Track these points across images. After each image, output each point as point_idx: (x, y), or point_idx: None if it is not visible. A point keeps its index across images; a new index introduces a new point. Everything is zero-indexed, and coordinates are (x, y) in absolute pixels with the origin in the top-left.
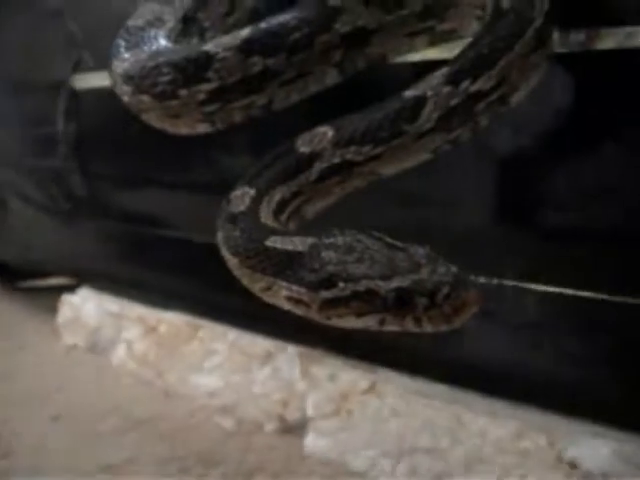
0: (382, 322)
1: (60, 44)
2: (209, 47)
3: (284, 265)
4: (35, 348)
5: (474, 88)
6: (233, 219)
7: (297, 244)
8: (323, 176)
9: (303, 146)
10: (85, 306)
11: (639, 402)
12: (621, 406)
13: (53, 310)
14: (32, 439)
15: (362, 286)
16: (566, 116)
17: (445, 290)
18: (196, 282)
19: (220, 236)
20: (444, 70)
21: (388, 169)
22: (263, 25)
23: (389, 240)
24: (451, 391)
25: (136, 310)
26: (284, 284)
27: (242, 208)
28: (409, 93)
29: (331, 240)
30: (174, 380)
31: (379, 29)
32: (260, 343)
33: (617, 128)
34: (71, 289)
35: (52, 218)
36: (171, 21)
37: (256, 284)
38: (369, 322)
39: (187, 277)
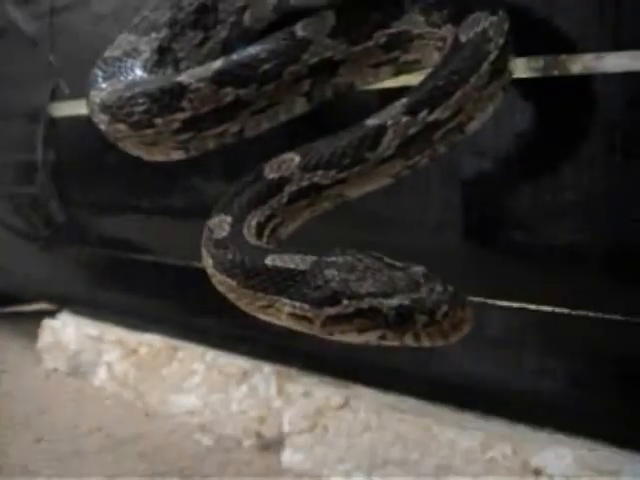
0: (383, 338)
1: (37, 73)
2: (183, 78)
3: (287, 283)
4: (17, 373)
5: (431, 118)
6: (222, 244)
7: (298, 262)
8: (293, 199)
9: (271, 173)
10: (65, 330)
11: (600, 411)
12: (583, 415)
13: (34, 335)
14: (16, 460)
15: (365, 304)
16: (527, 138)
17: (444, 308)
18: (174, 305)
19: (211, 262)
20: (403, 100)
21: (353, 192)
22: (234, 57)
23: (388, 260)
24: (421, 405)
25: (116, 333)
26: (287, 301)
27: (225, 234)
28: (371, 122)
29: (332, 259)
30: (154, 400)
31: (346, 60)
32: (237, 363)
33: (575, 149)
34: (52, 314)
35: (31, 244)
36: (147, 52)
37: (256, 303)
38: (370, 338)
39: (165, 300)
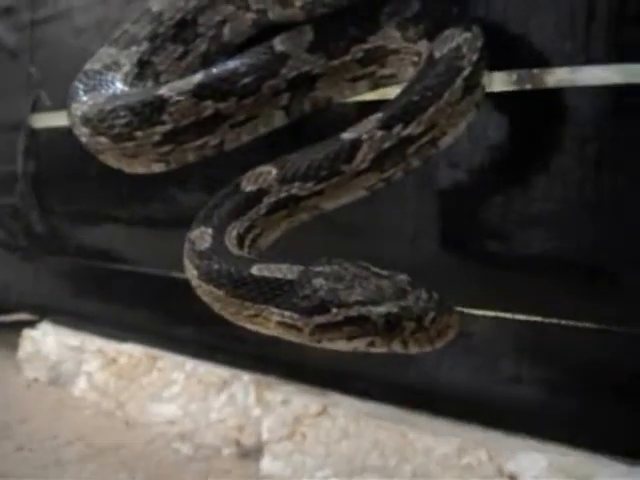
0: (371, 344)
1: (18, 84)
2: (163, 91)
3: (274, 292)
4: None
5: (405, 133)
6: (206, 255)
7: (285, 272)
8: (272, 210)
9: (249, 185)
10: (46, 340)
11: (573, 417)
12: (556, 421)
13: (14, 345)
14: None
15: (354, 311)
16: (501, 150)
17: (431, 315)
18: (154, 314)
19: (195, 273)
20: (378, 115)
21: (329, 204)
22: (214, 70)
23: (374, 268)
24: (398, 412)
25: (96, 343)
26: (276, 310)
27: (208, 245)
28: (346, 135)
29: (319, 268)
30: (134, 410)
31: (323, 74)
32: (216, 372)
33: (547, 161)
34: (32, 324)
35: (12, 254)
36: (127, 65)
37: (244, 312)
38: (358, 345)
39: (145, 310)
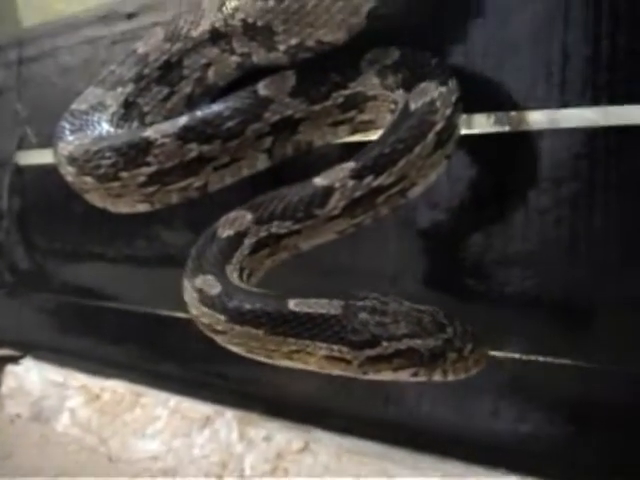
0: (415, 374)
1: (4, 121)
2: (149, 133)
3: (321, 327)
4: None
5: (376, 183)
6: (228, 298)
7: (328, 307)
8: (255, 249)
9: (226, 231)
10: (29, 376)
11: (551, 452)
12: (534, 456)
13: None
14: None
15: (403, 344)
16: (479, 190)
17: (469, 346)
18: (138, 351)
19: (223, 318)
20: (351, 164)
21: (305, 244)
22: (199, 113)
23: (407, 303)
24: (379, 448)
25: (79, 379)
26: (323, 345)
27: (221, 289)
28: (319, 182)
29: (360, 303)
30: (117, 445)
31: (305, 118)
32: (200, 408)
33: (526, 201)
34: (15, 360)
35: None
36: (113, 106)
37: (284, 349)
38: (403, 375)
39: (129, 347)
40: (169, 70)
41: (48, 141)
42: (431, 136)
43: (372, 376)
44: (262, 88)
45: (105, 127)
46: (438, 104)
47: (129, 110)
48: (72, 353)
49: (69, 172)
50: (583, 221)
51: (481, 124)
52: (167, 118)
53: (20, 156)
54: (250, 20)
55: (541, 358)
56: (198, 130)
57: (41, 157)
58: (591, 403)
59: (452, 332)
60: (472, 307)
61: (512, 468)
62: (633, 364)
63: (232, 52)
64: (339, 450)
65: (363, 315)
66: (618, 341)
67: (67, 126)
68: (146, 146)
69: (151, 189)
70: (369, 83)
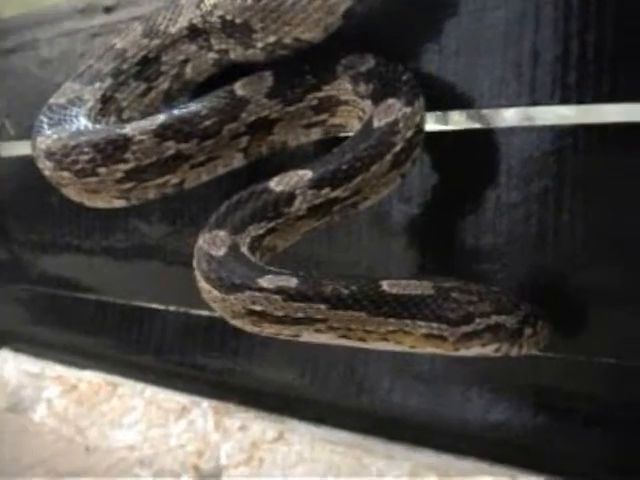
0: (498, 350)
1: None
2: (127, 130)
3: (419, 307)
4: None
5: (332, 195)
6: (313, 286)
7: (420, 288)
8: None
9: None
10: (5, 367)
11: (520, 440)
12: (505, 444)
13: None
14: None
15: (492, 321)
16: (450, 186)
17: (540, 322)
18: (114, 342)
19: (324, 307)
20: (309, 174)
21: (280, 243)
22: (177, 112)
23: (483, 285)
24: (352, 437)
25: (56, 370)
26: (423, 323)
27: (298, 282)
28: (279, 188)
29: (447, 284)
30: (94, 435)
31: (280, 119)
32: (176, 399)
33: (496, 197)
34: None
35: None
36: (91, 100)
37: (382, 329)
38: (489, 350)
39: (106, 338)
40: (147, 66)
41: (26, 133)
42: (389, 157)
43: (462, 352)
44: (239, 88)
45: (83, 122)
46: (400, 125)
47: (107, 105)
48: (49, 344)
49: (47, 166)
50: (550, 216)
51: (453, 121)
52: (145, 113)
53: None
54: (228, 17)
55: None
56: (176, 128)
57: (19, 149)
58: (557, 391)
59: (525, 309)
60: None
61: (483, 457)
62: (596, 354)
63: (210, 49)
64: (313, 439)
65: (455, 294)
66: (582, 332)
67: (45, 120)
68: (124, 143)
69: (128, 185)
70: (342, 88)
